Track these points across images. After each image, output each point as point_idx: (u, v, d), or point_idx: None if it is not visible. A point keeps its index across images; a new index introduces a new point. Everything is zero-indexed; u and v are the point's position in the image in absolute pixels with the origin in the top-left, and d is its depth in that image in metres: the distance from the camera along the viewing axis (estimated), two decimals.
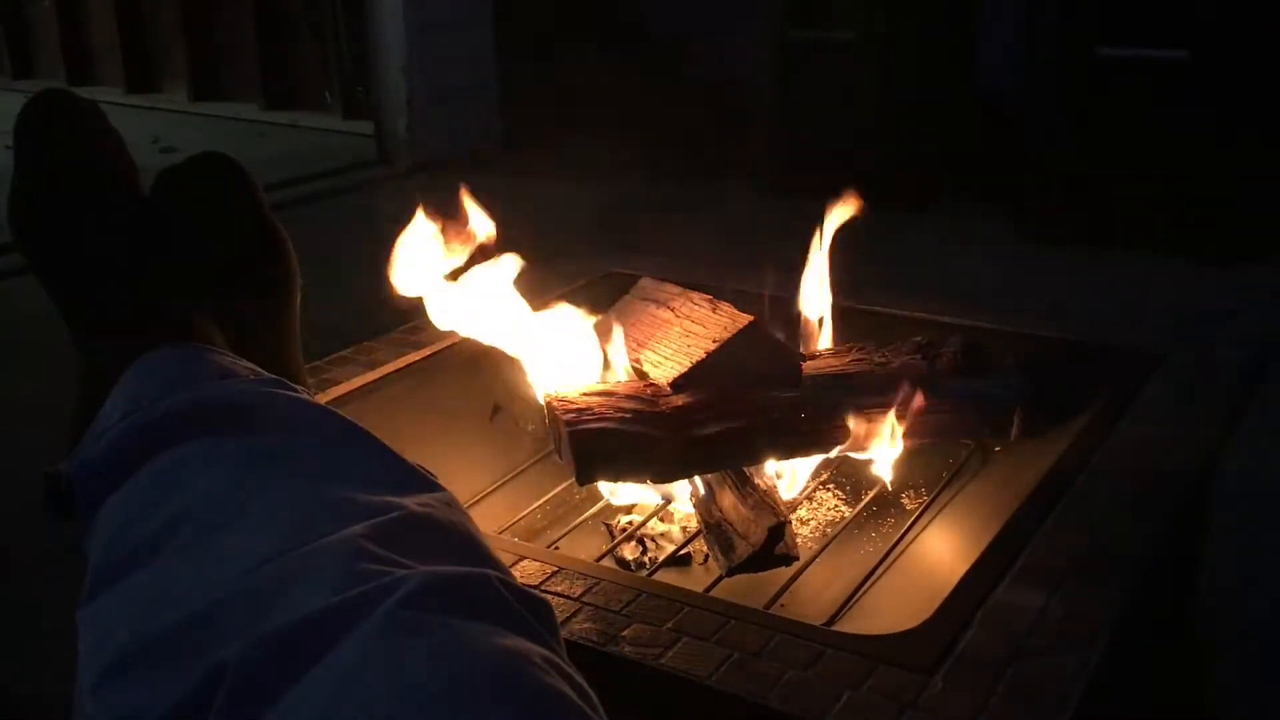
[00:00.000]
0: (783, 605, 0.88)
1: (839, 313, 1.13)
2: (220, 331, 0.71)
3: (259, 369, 0.67)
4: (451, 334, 1.02)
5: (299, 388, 0.65)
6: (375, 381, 1.13)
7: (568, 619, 0.73)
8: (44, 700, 1.30)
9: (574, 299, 1.02)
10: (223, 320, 0.72)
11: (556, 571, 0.79)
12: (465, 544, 0.55)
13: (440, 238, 0.98)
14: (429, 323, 1.00)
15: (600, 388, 0.95)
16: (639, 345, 1.02)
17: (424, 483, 0.59)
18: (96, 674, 0.51)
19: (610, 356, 1.02)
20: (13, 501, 1.38)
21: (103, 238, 0.72)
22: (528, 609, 0.50)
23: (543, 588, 0.77)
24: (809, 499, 1.09)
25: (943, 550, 0.97)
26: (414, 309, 0.99)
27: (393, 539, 0.52)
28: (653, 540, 1.03)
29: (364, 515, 0.53)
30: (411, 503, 0.56)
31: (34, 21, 5.60)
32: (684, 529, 1.04)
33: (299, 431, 0.61)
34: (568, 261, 1.41)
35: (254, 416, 0.61)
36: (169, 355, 0.66)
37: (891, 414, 0.97)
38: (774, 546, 0.88)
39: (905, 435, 0.99)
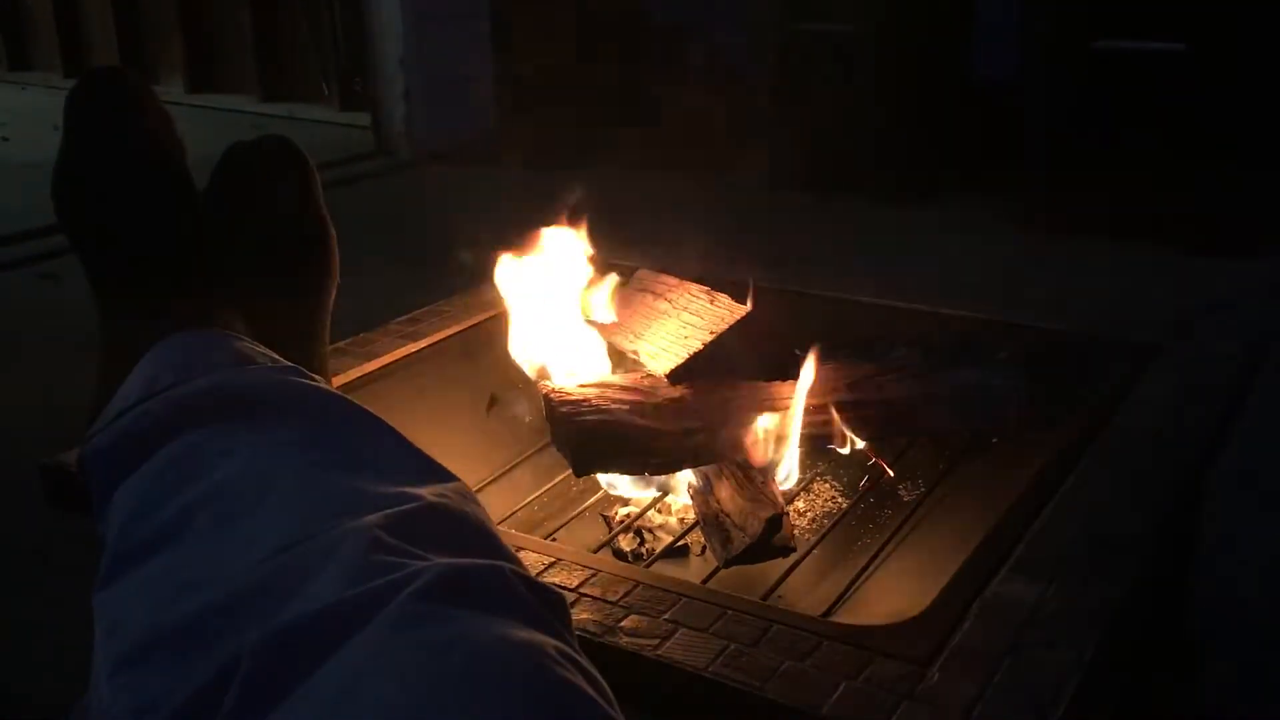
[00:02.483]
0: (780, 596, 0.88)
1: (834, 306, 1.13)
2: (246, 318, 0.71)
3: (277, 357, 0.67)
4: (447, 326, 1.02)
5: (317, 377, 0.65)
6: (373, 373, 1.13)
7: None
8: (39, 697, 1.30)
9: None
10: (252, 306, 0.72)
11: (554, 562, 0.79)
12: (480, 535, 0.56)
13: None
14: (426, 314, 1.00)
15: (597, 380, 0.96)
16: (636, 337, 1.02)
17: (440, 473, 0.59)
18: (113, 662, 0.51)
19: (607, 348, 1.02)
20: (8, 496, 1.39)
21: (142, 217, 0.72)
22: (541, 601, 0.51)
23: (541, 578, 0.77)
24: (806, 490, 1.10)
25: (939, 542, 0.97)
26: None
27: (408, 530, 0.52)
28: (650, 532, 1.03)
29: (380, 505, 0.53)
30: (427, 493, 0.56)
31: (30, 12, 5.59)
32: (681, 520, 1.04)
33: (316, 420, 0.61)
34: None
35: (272, 404, 0.61)
36: (189, 340, 0.66)
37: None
38: (771, 538, 0.89)
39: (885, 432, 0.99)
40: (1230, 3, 2.63)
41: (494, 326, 1.13)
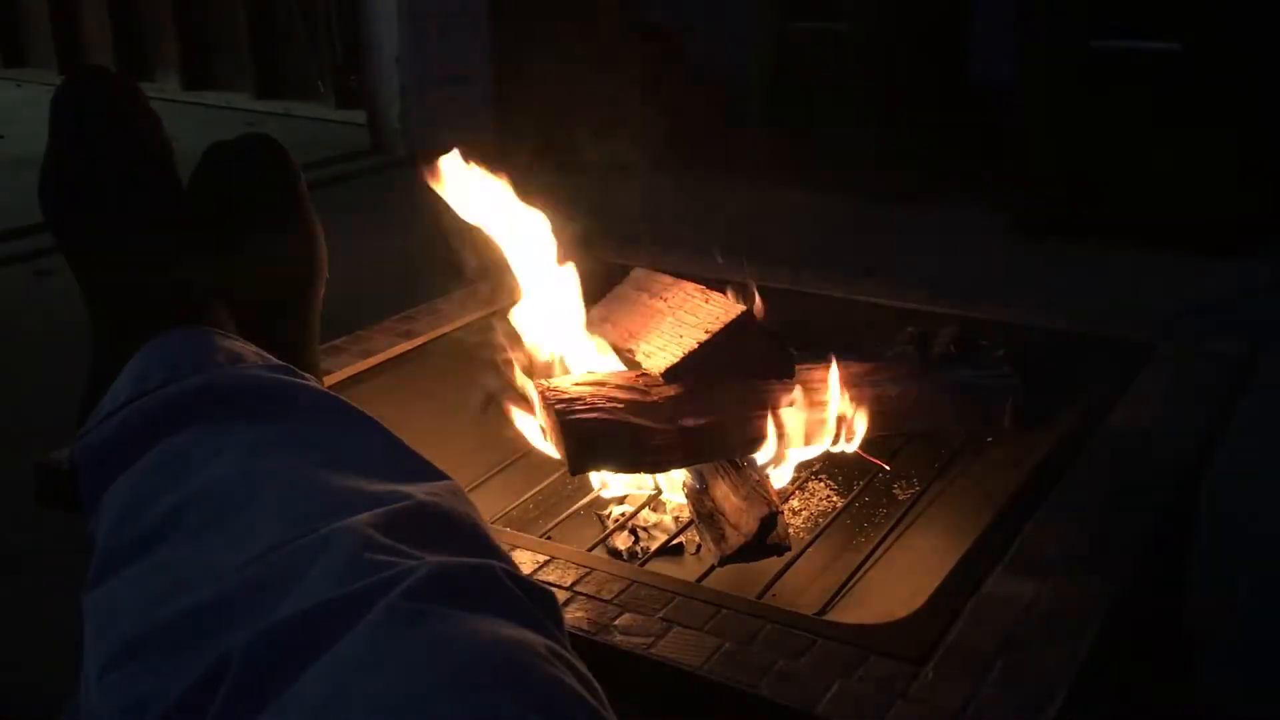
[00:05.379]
0: (774, 595, 0.88)
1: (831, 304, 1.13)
2: (236, 317, 0.71)
3: (267, 354, 0.67)
4: (442, 324, 1.02)
5: (307, 375, 0.65)
6: (367, 370, 1.13)
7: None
8: (30, 698, 1.30)
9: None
10: (243, 306, 0.72)
11: (548, 561, 0.79)
12: (471, 534, 0.56)
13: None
14: (422, 312, 1.00)
15: (592, 378, 0.95)
16: (631, 336, 1.02)
17: (431, 471, 0.59)
18: (102, 661, 0.51)
19: (603, 347, 1.02)
20: (5, 493, 1.38)
21: (129, 217, 0.71)
22: (532, 600, 0.50)
23: (535, 577, 0.77)
24: (801, 489, 1.09)
25: (934, 541, 0.97)
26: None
27: (399, 528, 0.52)
28: (645, 530, 1.03)
29: (371, 504, 0.53)
30: (419, 492, 0.56)
31: (25, 9, 5.58)
32: (676, 519, 1.04)
33: (307, 418, 0.61)
34: (560, 251, 1.40)
35: (262, 402, 0.61)
36: (178, 338, 0.66)
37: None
38: (766, 536, 0.88)
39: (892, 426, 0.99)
40: (1225, 2, 2.63)
41: (489, 324, 1.13)
